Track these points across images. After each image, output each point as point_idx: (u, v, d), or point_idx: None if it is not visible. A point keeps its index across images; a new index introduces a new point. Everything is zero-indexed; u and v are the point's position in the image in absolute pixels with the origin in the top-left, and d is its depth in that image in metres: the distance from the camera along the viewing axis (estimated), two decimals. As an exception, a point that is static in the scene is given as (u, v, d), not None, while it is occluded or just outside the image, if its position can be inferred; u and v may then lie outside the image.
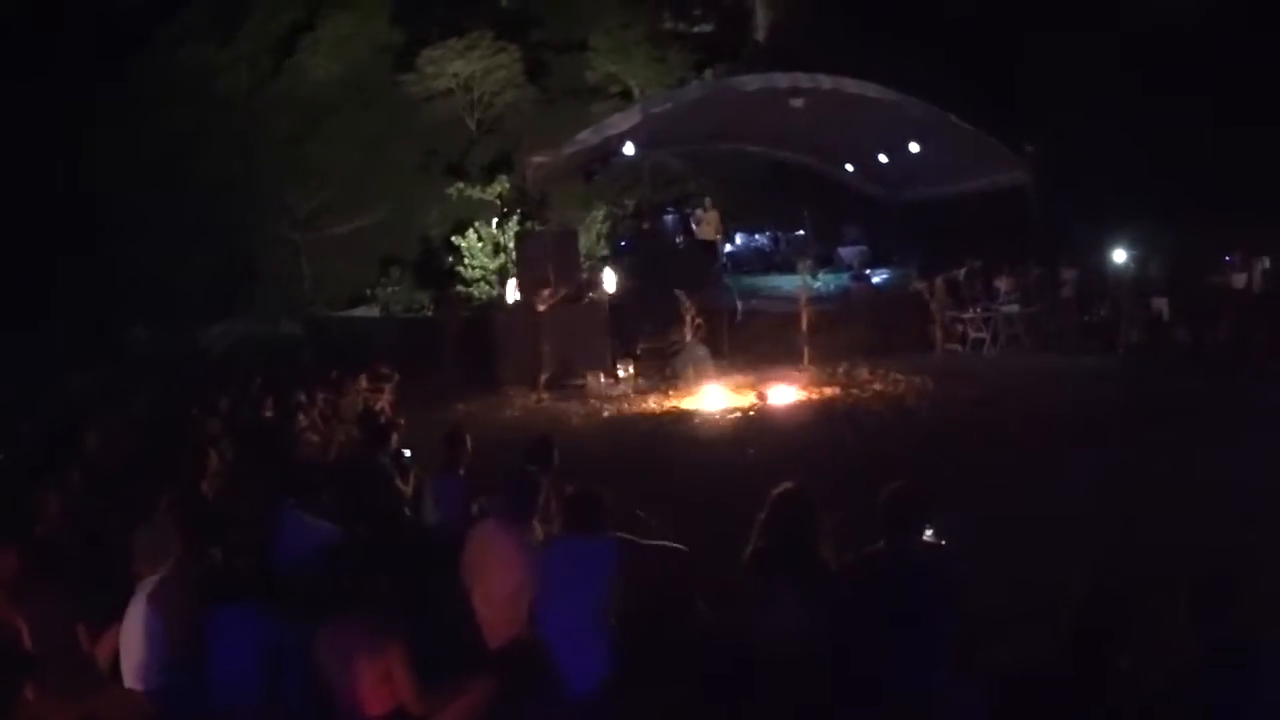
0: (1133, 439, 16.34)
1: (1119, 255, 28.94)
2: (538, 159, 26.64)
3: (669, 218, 29.84)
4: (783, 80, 25.79)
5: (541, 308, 20.90)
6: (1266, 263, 27.00)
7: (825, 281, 28.24)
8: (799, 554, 6.75)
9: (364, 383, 19.93)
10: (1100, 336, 25.94)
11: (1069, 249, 28.73)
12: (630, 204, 33.22)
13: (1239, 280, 27.20)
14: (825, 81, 25.69)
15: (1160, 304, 26.26)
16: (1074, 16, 34.75)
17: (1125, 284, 26.88)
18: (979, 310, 26.88)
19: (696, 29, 39.00)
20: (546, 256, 25.03)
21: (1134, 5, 34.68)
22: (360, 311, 34.23)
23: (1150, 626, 6.17)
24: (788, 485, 7.08)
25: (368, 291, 34.18)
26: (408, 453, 13.02)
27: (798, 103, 25.71)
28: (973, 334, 26.70)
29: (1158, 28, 34.07)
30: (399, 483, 11.35)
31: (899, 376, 22.40)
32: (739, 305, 25.46)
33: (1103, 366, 23.53)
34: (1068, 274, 27.98)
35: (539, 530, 8.07)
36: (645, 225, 30.04)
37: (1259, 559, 10.04)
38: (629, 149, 26.30)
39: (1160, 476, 14.04)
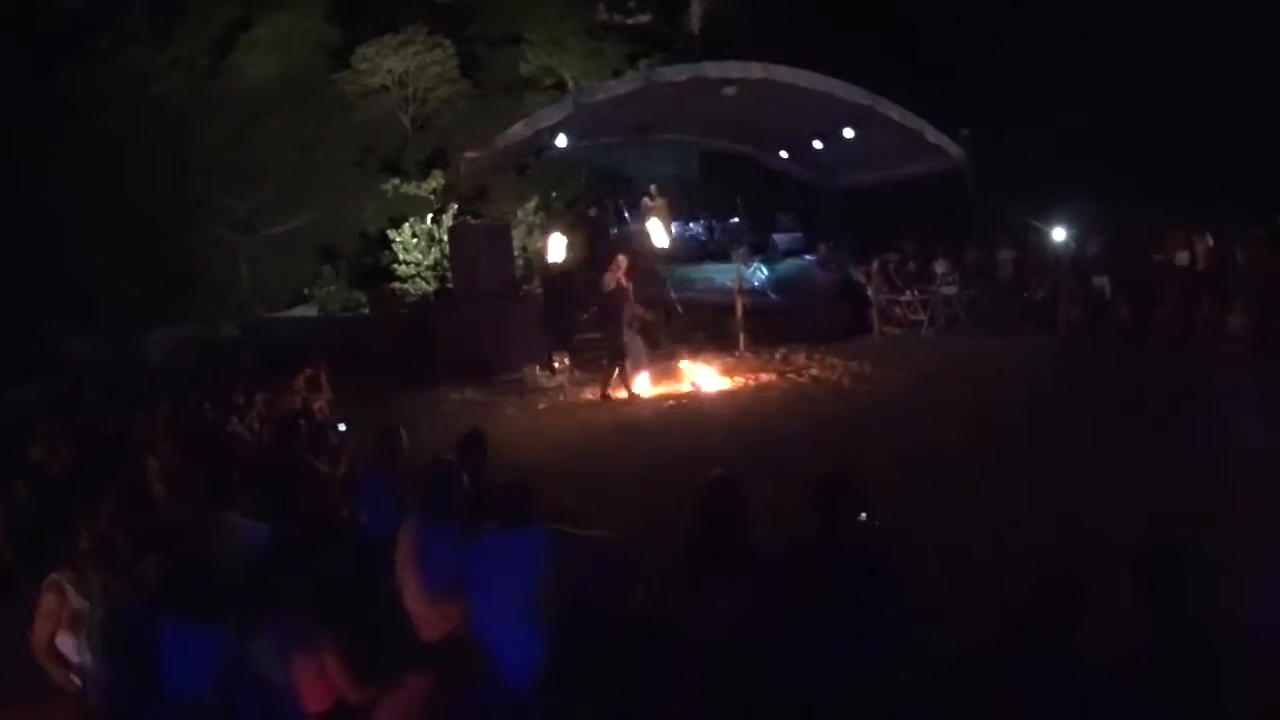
0: (1072, 418, 16.50)
1: (1058, 235, 29.12)
2: (470, 154, 26.59)
3: (608, 207, 29.78)
4: (714, 70, 25.80)
5: (611, 286, 20.57)
6: (1210, 240, 27.21)
7: (762, 270, 28.21)
8: (729, 541, 6.67)
9: (301, 384, 19.92)
10: (1040, 316, 26.06)
11: (1006, 230, 28.88)
12: (556, 196, 33.21)
13: (1181, 258, 27.38)
14: (757, 70, 25.72)
15: (1102, 282, 26.42)
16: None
17: (1064, 263, 27.00)
18: (916, 293, 27.00)
19: (632, 20, 38.88)
20: (479, 251, 25.05)
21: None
22: (299, 312, 34.10)
23: (1096, 606, 6.21)
24: (716, 472, 7.00)
25: (305, 291, 34.08)
26: (342, 426, 13.08)
27: (730, 91, 25.78)
28: (910, 317, 26.84)
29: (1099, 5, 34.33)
30: (330, 469, 11.38)
31: (836, 361, 22.49)
32: (675, 300, 25.36)
33: (1042, 346, 23.74)
34: (1005, 255, 28.15)
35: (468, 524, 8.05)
36: (589, 211, 29.98)
37: (1209, 535, 10.20)
38: (561, 141, 26.32)
39: (1101, 455, 14.19)
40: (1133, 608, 5.67)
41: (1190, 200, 27.59)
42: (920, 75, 32.19)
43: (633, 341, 21.64)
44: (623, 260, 21.23)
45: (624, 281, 20.97)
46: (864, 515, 6.77)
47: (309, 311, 33.76)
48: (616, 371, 20.99)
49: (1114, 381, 19.22)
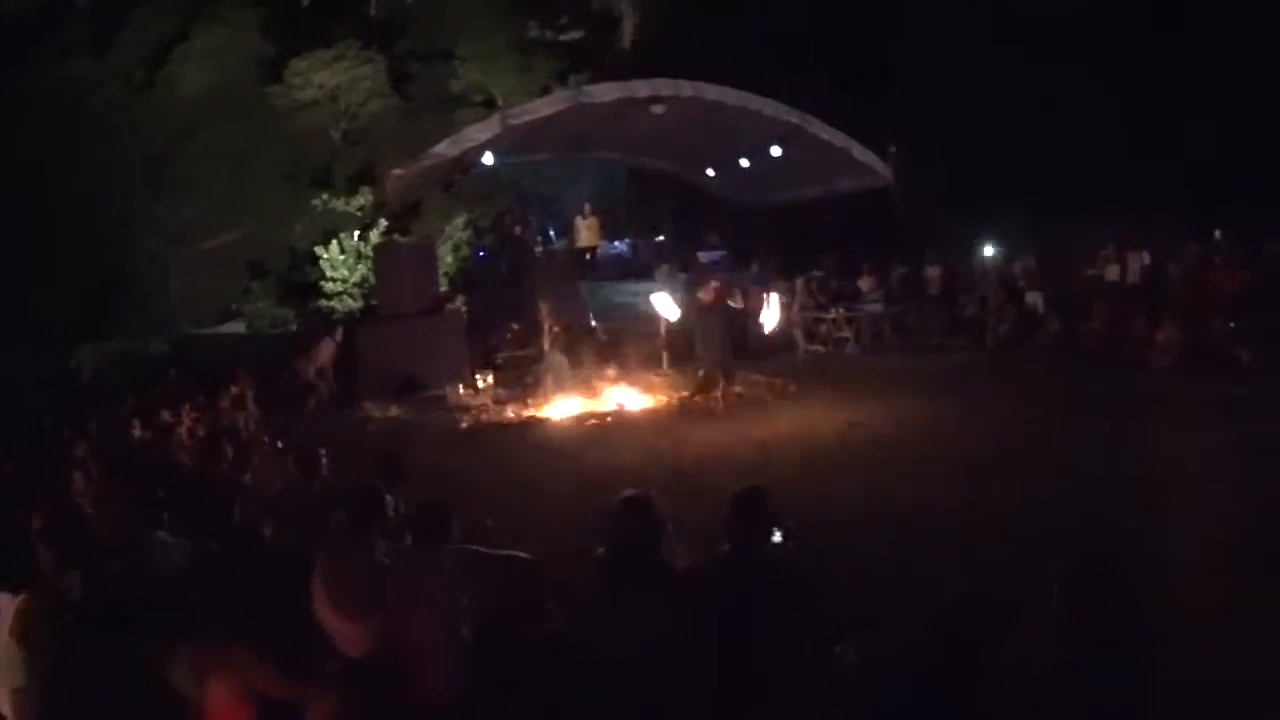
0: (1002, 429, 16.85)
1: (987, 251, 29.43)
2: (397, 171, 26.62)
3: (533, 225, 29.77)
4: (643, 88, 25.83)
5: (705, 300, 20.42)
6: (1146, 257, 27.51)
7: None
8: (644, 560, 6.78)
9: (228, 402, 19.97)
10: (968, 332, 26.32)
11: (935, 247, 29.15)
12: (483, 213, 33.15)
13: (1112, 273, 27.70)
14: (686, 88, 25.77)
15: (1035, 298, 26.70)
16: (946, 10, 35.26)
17: (993, 279, 27.28)
18: (841, 310, 27.18)
19: (563, 37, 38.83)
20: (404, 268, 25.11)
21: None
22: (228, 328, 33.98)
23: (1023, 619, 6.34)
24: (630, 492, 7.13)
25: (234, 307, 33.98)
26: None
27: (659, 109, 25.80)
28: (836, 334, 27.02)
29: (1031, 19, 34.67)
30: (254, 486, 11.47)
31: (759, 379, 22.62)
32: (594, 322, 25.39)
33: (969, 360, 24.03)
34: (933, 271, 28.42)
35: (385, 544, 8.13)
36: (515, 229, 29.94)
37: (1136, 546, 10.42)
38: (488, 159, 26.33)
39: (1033, 464, 14.55)
40: (1063, 617, 5.74)
41: (1126, 216, 27.92)
42: (851, 92, 32.50)
43: (556, 360, 21.74)
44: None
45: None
46: (778, 533, 6.88)
47: (238, 328, 33.64)
48: (541, 390, 21.13)
49: (1044, 393, 19.67)
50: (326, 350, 24.70)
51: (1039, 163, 33.13)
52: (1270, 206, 27.60)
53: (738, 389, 21.13)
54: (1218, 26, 32.91)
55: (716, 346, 20.55)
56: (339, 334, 24.91)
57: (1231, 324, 22.53)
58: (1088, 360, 22.89)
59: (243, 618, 7.16)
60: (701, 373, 20.62)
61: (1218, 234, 27.41)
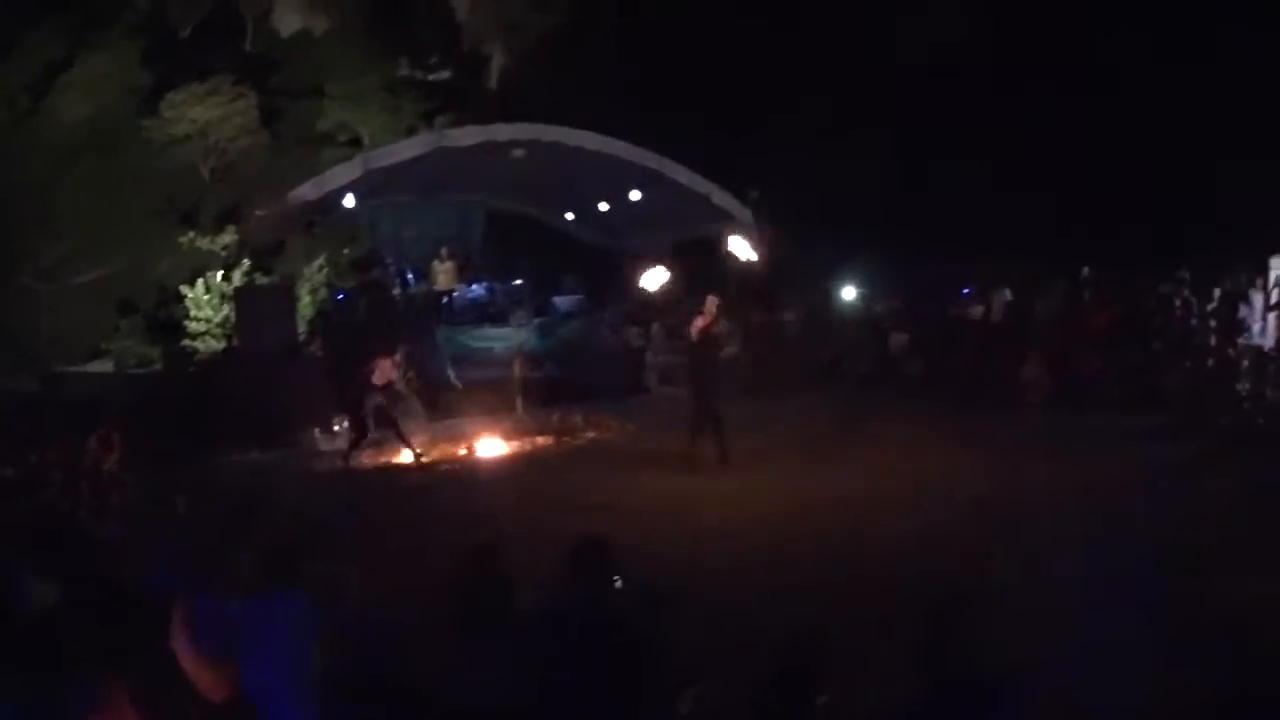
0: (852, 464, 17.35)
1: (847, 293, 29.68)
2: (258, 212, 26.52)
3: (391, 268, 29.67)
4: (503, 132, 26.05)
5: (695, 337, 19.71)
6: (1008, 294, 27.84)
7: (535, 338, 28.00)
8: (491, 608, 6.84)
9: (94, 443, 19.84)
10: (826, 374, 26.51)
11: (794, 290, 29.36)
12: (346, 255, 33.02)
13: (976, 312, 28.01)
14: (546, 133, 26.02)
15: (900, 338, 26.97)
16: (810, 56, 35.56)
17: (853, 321, 27.51)
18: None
19: (433, 76, 38.75)
20: (263, 310, 25.03)
21: (874, 41, 35.61)
22: (96, 367, 33.59)
23: (855, 662, 6.42)
24: (477, 541, 7.29)
25: (103, 345, 33.64)
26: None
27: (519, 153, 26.01)
28: (691, 377, 27.06)
29: (897, 63, 35.06)
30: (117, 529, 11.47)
31: (612, 422, 22.79)
32: (451, 374, 25.33)
33: (827, 400, 24.24)
34: (790, 314, 28.64)
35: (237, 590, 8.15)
36: (373, 272, 29.82)
37: (985, 587, 10.65)
38: (349, 201, 26.32)
39: (883, 501, 15.12)
40: (913, 659, 5.82)
41: (989, 256, 28.22)
42: (717, 136, 32.73)
43: (412, 406, 21.77)
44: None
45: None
46: (618, 580, 6.89)
47: (105, 367, 33.29)
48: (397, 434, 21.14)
49: (905, 432, 19.99)
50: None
51: (903, 204, 33.51)
52: (1138, 243, 28.15)
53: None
54: (1083, 63, 33.48)
55: (704, 387, 19.50)
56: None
57: (1103, 359, 22.99)
58: (951, 398, 23.24)
59: (109, 660, 7.16)
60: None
61: (1086, 270, 27.65)
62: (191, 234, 31.90)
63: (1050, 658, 8.66)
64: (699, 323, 19.58)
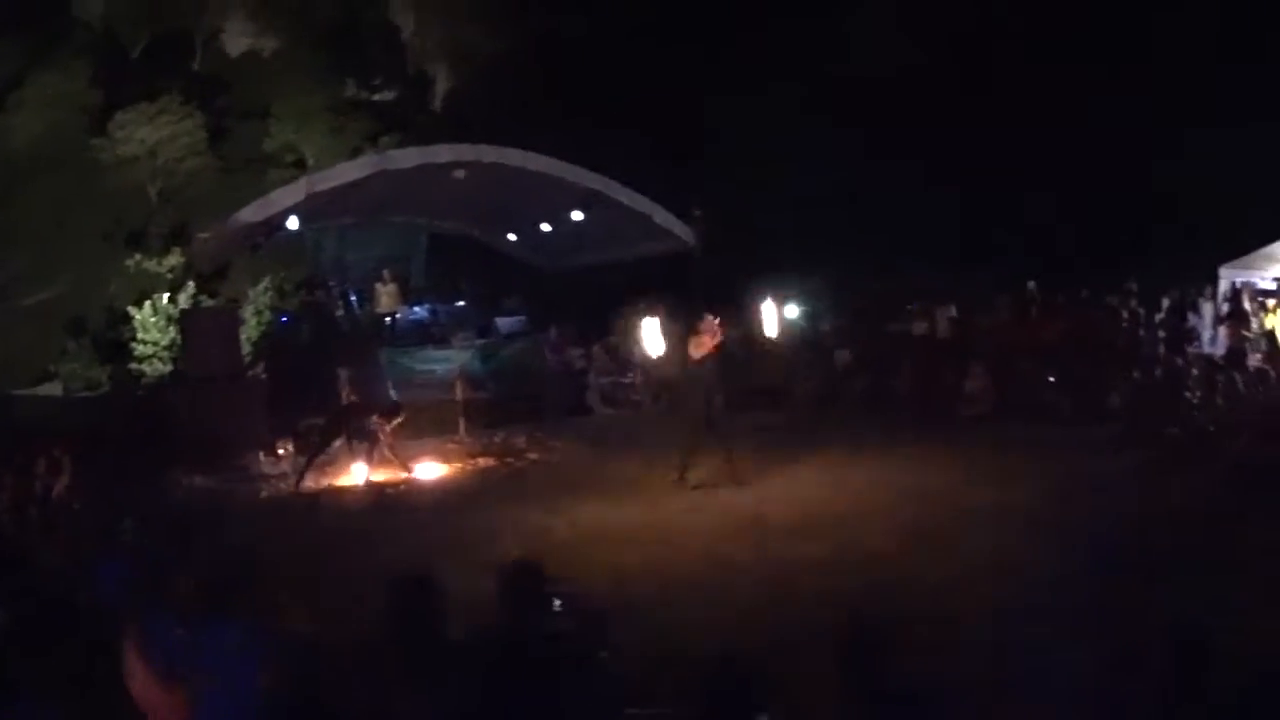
0: (795, 485, 17.66)
1: (790, 311, 29.78)
2: (202, 235, 26.55)
3: (335, 291, 29.63)
4: (444, 154, 26.08)
5: (697, 355, 19.19)
6: (953, 310, 28.02)
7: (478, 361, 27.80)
8: (424, 637, 6.74)
9: (41, 466, 19.89)
10: (771, 392, 26.62)
11: (737, 309, 29.51)
12: (286, 277, 32.95)
13: (920, 327, 28.18)
14: (488, 154, 26.06)
15: (844, 355, 27.12)
16: (754, 77, 35.80)
17: (797, 339, 27.61)
18: (637, 374, 27.47)
19: (378, 97, 38.85)
20: (208, 333, 25.08)
21: (817, 58, 35.87)
22: (44, 389, 33.52)
23: (795, 684, 6.54)
24: (407, 569, 7.20)
25: (51, 368, 33.59)
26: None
27: (460, 174, 26.04)
28: (632, 397, 27.42)
29: (841, 81, 35.32)
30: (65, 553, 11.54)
31: (555, 444, 22.96)
32: (393, 396, 25.31)
33: (771, 421, 24.14)
34: (734, 333, 28.77)
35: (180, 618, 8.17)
36: (316, 294, 29.73)
37: (914, 601, 10.88)
38: (293, 223, 26.35)
39: (823, 521, 15.26)
40: (840, 677, 5.82)
41: (934, 272, 28.43)
42: (660, 156, 32.91)
43: (357, 429, 21.84)
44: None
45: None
46: (558, 603, 7.01)
47: (54, 390, 33.24)
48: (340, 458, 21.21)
49: (849, 447, 20.27)
50: None
51: (846, 223, 33.74)
52: (1086, 256, 28.47)
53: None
54: (1025, 88, 33.79)
55: (701, 405, 18.92)
56: None
57: (1050, 372, 23.23)
58: (895, 413, 23.46)
59: (56, 685, 7.24)
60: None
61: (1032, 285, 27.80)
62: (139, 256, 31.88)
63: (989, 671, 8.86)
64: (706, 342, 19.28)
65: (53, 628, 8.34)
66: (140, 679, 7.15)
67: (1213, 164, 29.37)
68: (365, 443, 20.97)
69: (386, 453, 20.98)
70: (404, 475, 20.95)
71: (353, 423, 21.02)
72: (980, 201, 33.32)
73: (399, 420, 21.12)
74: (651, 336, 19.94)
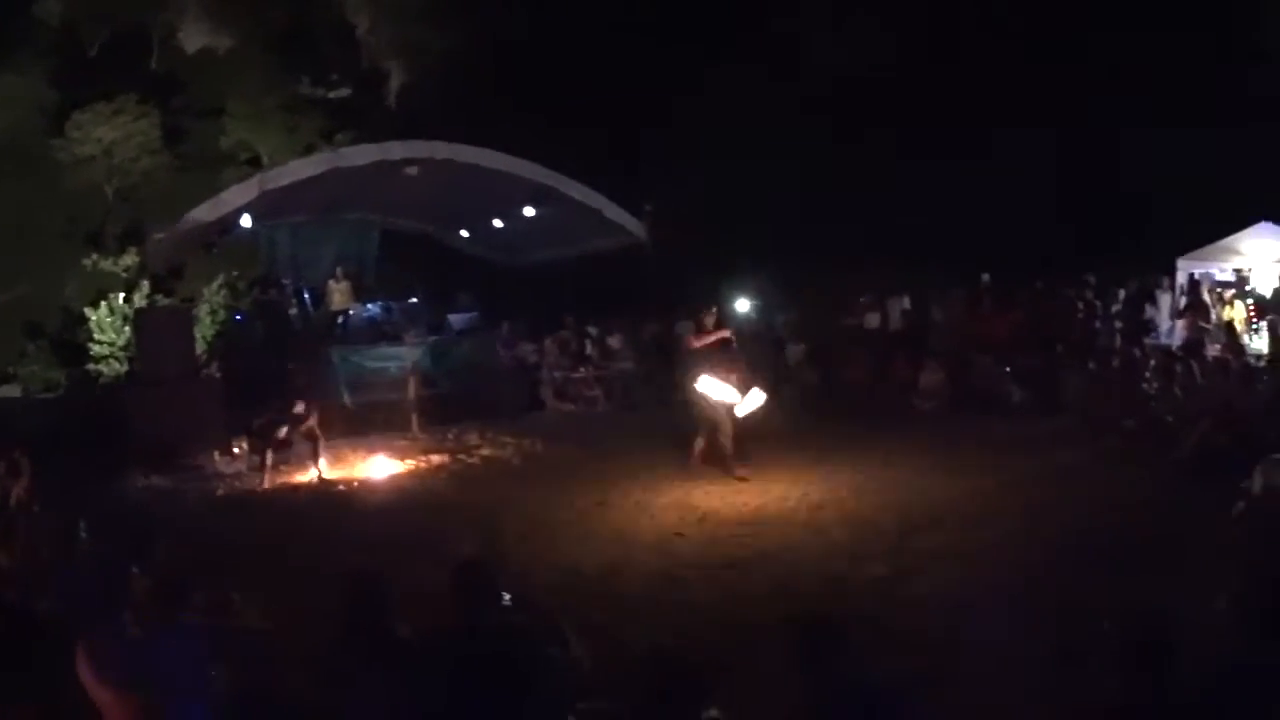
0: (728, 488, 17.57)
1: (741, 305, 29.95)
2: (156, 235, 26.56)
3: (288, 289, 29.56)
4: (397, 150, 26.07)
5: (696, 345, 19.52)
6: (906, 302, 28.20)
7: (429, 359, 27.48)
8: (376, 634, 6.87)
9: (1, 469, 19.92)
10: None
11: (688, 304, 29.66)
12: (240, 276, 32.94)
13: (872, 320, 28.36)
14: (440, 150, 26.09)
15: (796, 350, 27.26)
16: (709, 71, 35.97)
17: (748, 332, 27.73)
18: (591, 369, 27.70)
19: (333, 94, 38.81)
20: (162, 332, 25.09)
21: (772, 57, 36.05)
22: (3, 391, 33.52)
23: (747, 678, 6.67)
24: (359, 566, 7.43)
25: (10, 369, 33.59)
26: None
27: (413, 171, 26.06)
28: (586, 393, 27.53)
29: (802, 75, 35.53)
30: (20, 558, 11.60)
31: (508, 440, 23.04)
32: (346, 396, 25.37)
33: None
34: (684, 328, 28.90)
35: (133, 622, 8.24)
36: (269, 293, 29.65)
37: (860, 589, 11.07)
38: (246, 221, 26.34)
39: (775, 519, 15.43)
40: (795, 670, 6.01)
41: (887, 265, 28.58)
42: (613, 149, 33.07)
43: (310, 428, 21.91)
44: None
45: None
46: (507, 597, 7.10)
47: (12, 391, 33.21)
48: (294, 457, 21.29)
49: (797, 442, 20.37)
50: None
51: (800, 218, 33.95)
52: (1043, 249, 28.71)
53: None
54: (985, 86, 34.10)
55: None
56: None
57: (1004, 365, 23.42)
58: (848, 408, 23.61)
59: (16, 690, 7.29)
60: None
61: (985, 277, 28.13)
62: (95, 256, 31.92)
63: (945, 666, 8.99)
64: (709, 334, 19.42)
65: (9, 633, 8.47)
66: (95, 685, 7.32)
67: (1172, 159, 29.68)
68: (311, 442, 21.09)
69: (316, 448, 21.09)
70: (317, 474, 20.92)
71: (299, 421, 21.03)
72: (933, 195, 33.56)
73: (314, 417, 21.12)
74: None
